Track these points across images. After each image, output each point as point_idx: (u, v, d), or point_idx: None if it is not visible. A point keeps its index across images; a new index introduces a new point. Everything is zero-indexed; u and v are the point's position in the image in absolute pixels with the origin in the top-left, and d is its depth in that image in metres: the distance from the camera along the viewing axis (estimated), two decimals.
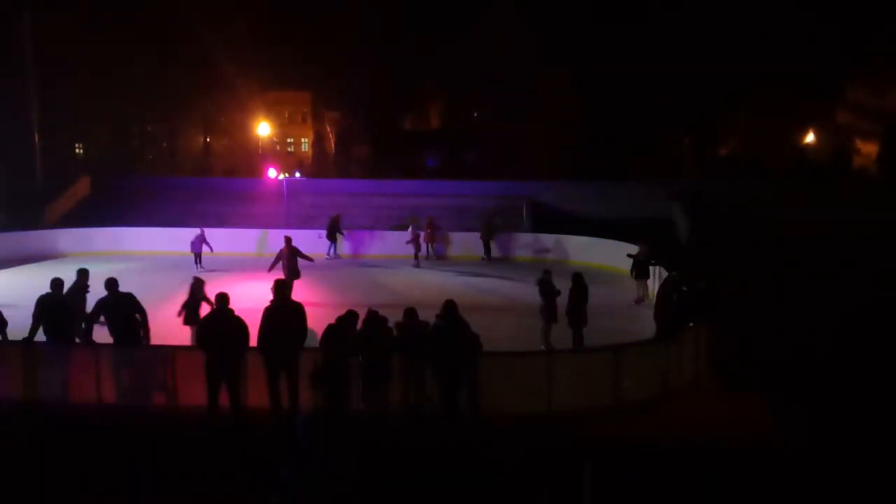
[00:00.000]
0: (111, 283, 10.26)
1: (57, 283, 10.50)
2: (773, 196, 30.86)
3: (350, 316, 9.39)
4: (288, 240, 16.79)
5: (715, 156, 50.36)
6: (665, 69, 43.57)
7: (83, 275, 11.50)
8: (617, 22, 45.54)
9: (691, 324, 11.43)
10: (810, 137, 47.57)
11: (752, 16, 43.25)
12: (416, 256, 23.06)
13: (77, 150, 44.29)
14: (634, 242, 18.52)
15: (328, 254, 24.18)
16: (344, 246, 24.92)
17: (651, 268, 17.54)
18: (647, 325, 13.45)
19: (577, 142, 45.98)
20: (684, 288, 12.34)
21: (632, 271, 17.66)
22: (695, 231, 27.34)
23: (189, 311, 11.91)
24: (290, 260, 16.39)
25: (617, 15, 45.69)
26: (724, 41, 43.10)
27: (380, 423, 9.24)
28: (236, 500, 7.36)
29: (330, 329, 9.27)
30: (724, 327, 12.71)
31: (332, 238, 24.41)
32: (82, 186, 33.42)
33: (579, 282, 12.76)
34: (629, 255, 17.97)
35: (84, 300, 11.24)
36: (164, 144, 53.00)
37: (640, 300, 17.22)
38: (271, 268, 16.36)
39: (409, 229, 23.50)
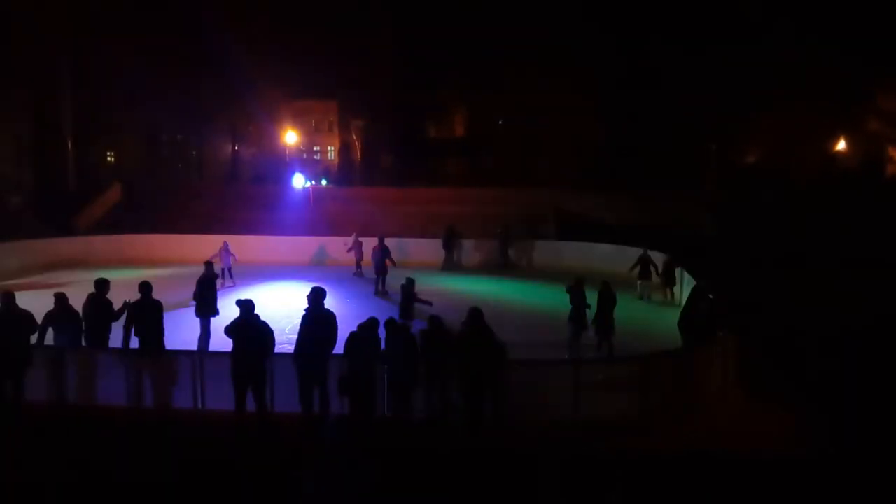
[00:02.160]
0: (145, 287, 10.47)
1: (101, 283, 10.70)
2: (801, 204, 30.42)
3: (371, 323, 9.45)
4: (381, 238, 20.19)
5: (742, 163, 49.75)
6: (692, 75, 43.22)
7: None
8: (643, 27, 45.25)
9: (719, 333, 11.32)
10: (841, 145, 46.79)
11: (782, 21, 42.74)
12: (359, 265, 22.18)
13: (109, 158, 45.07)
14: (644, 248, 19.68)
15: (443, 267, 24.16)
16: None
17: (653, 268, 18.97)
18: (674, 335, 13.32)
19: (603, 149, 45.75)
20: (711, 297, 12.24)
21: (632, 268, 19.13)
22: (721, 238, 27.05)
23: (406, 307, 13.99)
24: (379, 255, 19.53)
25: (643, 21, 45.42)
26: (754, 47, 42.64)
27: (405, 430, 9.29)
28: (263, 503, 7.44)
29: (353, 337, 9.34)
30: (752, 337, 12.57)
31: (448, 248, 24.38)
32: (113, 194, 34.03)
33: (607, 290, 12.73)
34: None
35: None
36: (193, 153, 53.76)
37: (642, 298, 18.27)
38: (350, 249, 21.88)
39: (353, 236, 22.47)
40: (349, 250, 22.13)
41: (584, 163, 44.21)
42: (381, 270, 19.77)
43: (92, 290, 10.77)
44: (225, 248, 20.35)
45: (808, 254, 23.98)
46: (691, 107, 43.24)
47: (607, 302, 12.73)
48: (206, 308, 12.83)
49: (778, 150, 47.35)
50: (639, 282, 19.02)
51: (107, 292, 10.76)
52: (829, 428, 9.70)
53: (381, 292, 19.69)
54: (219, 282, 17.55)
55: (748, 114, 45.19)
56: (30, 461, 8.38)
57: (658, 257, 19.53)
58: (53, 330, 10.24)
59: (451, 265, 24.48)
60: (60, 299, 10.34)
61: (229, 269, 20.41)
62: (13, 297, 9.61)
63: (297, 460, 8.18)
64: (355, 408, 9.27)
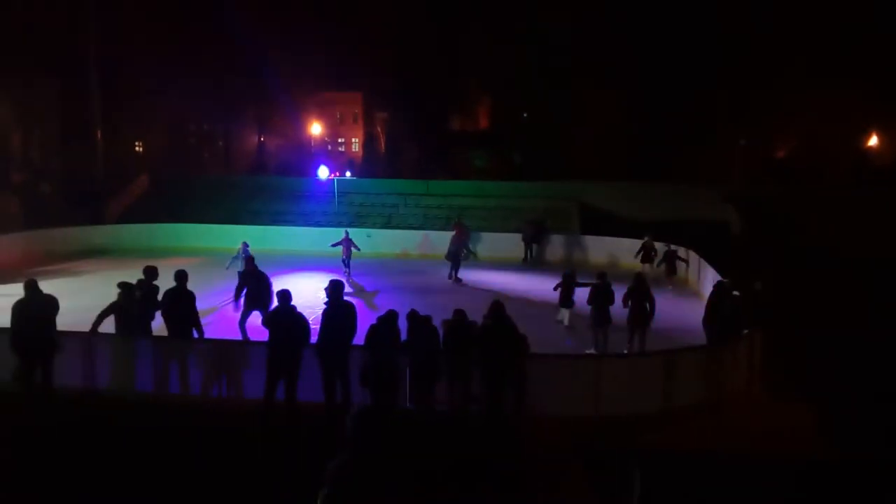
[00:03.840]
0: (181, 276, 10.67)
1: (151, 270, 10.91)
2: (831, 199, 29.90)
3: (390, 316, 9.50)
4: (461, 226, 22.18)
5: (771, 158, 49.02)
6: (721, 68, 42.64)
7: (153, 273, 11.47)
8: (671, 19, 44.67)
9: (745, 331, 11.21)
10: (873, 140, 45.89)
11: (813, 14, 41.97)
12: (346, 262, 20.67)
13: (137, 149, 45.68)
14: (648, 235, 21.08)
15: (526, 258, 24.00)
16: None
17: (654, 254, 20.39)
18: (699, 331, 13.22)
19: (629, 142, 45.34)
20: (735, 293, 12.12)
21: (637, 254, 20.71)
22: (748, 235, 26.72)
23: (564, 294, 14.32)
24: (458, 240, 20.96)
25: (671, 12, 44.83)
26: (784, 40, 41.94)
27: (426, 422, 9.34)
28: (288, 491, 7.53)
29: (373, 329, 9.40)
30: (777, 334, 12.42)
31: (537, 241, 24.20)
32: (141, 184, 34.50)
33: (641, 283, 12.63)
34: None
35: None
36: (220, 143, 54.31)
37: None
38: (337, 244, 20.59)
39: (345, 233, 21.13)
40: (334, 245, 20.89)
41: (609, 156, 43.82)
42: (456, 257, 20.49)
43: (123, 278, 10.95)
44: (245, 250, 18.45)
45: (836, 251, 23.61)
46: (720, 101, 42.70)
47: (641, 295, 12.67)
48: (254, 303, 12.78)
49: (808, 145, 46.61)
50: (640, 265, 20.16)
51: (155, 279, 10.90)
52: (855, 427, 9.57)
53: (455, 279, 20.30)
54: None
55: (778, 108, 44.48)
56: (57, 445, 8.58)
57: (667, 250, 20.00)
58: (118, 318, 10.33)
59: (532, 260, 24.32)
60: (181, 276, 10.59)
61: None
62: (37, 284, 9.80)
63: (323, 448, 8.25)
64: (377, 399, 9.35)
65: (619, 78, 45.70)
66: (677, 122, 44.15)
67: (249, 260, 13.90)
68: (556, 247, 24.96)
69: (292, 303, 9.53)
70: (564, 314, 14.93)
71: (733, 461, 8.53)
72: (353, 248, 20.72)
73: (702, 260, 19.16)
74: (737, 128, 42.59)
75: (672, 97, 44.16)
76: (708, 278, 17.03)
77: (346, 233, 21.15)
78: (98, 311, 10.41)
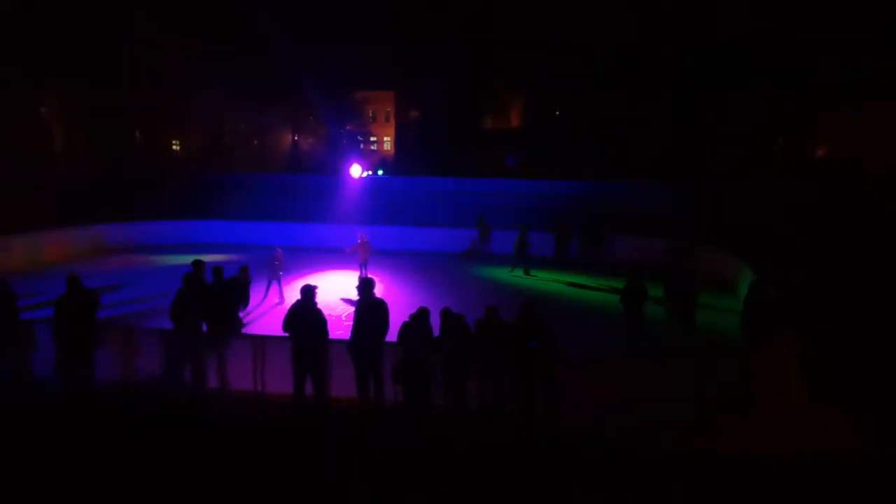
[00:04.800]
0: (218, 271, 10.84)
1: (198, 264, 10.99)
2: (873, 199, 29.18)
3: (422, 313, 9.52)
4: (524, 227, 21.83)
5: (811, 156, 48.00)
6: (760, 64, 41.86)
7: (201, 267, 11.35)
8: (708, 14, 43.95)
9: (782, 331, 11.00)
10: None
11: (857, 9, 40.94)
12: (363, 267, 19.05)
13: (174, 147, 46.52)
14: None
15: (557, 256, 23.73)
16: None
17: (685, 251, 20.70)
18: (736, 331, 13.03)
19: (663, 140, 44.79)
20: (773, 293, 11.91)
21: (670, 252, 21.26)
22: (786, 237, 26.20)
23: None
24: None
25: (710, 8, 44.13)
26: (824, 35, 40.97)
27: (458, 420, 9.35)
28: (320, 486, 7.61)
29: (405, 326, 9.45)
30: (817, 335, 12.17)
31: (567, 240, 23.99)
32: (178, 181, 35.13)
33: (680, 282, 12.63)
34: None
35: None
36: (255, 142, 55.04)
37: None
38: (352, 250, 19.06)
39: (360, 236, 19.23)
40: (350, 250, 19.26)
41: (642, 154, 43.35)
42: (522, 252, 21.09)
43: (160, 274, 11.14)
44: (277, 257, 16.42)
45: (878, 251, 23.02)
46: (760, 98, 41.92)
47: (685, 297, 12.64)
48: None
49: (850, 144, 45.51)
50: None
51: (203, 273, 10.99)
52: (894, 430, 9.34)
53: (525, 271, 21.00)
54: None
55: (820, 106, 43.50)
56: (97, 437, 8.79)
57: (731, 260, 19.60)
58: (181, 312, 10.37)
59: (563, 259, 24.14)
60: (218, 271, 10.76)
61: (278, 282, 16.44)
62: (78, 279, 10.04)
63: (355, 444, 8.34)
64: (409, 396, 9.40)
65: (654, 75, 45.16)
66: (714, 120, 43.47)
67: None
68: (587, 246, 24.74)
69: (316, 300, 9.57)
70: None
71: (770, 463, 8.39)
72: (370, 251, 19.03)
73: (739, 258, 18.83)
74: (775, 125, 41.81)
75: (709, 94, 43.49)
76: (745, 277, 16.73)
77: (362, 234, 19.28)
78: (161, 306, 10.51)
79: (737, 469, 8.21)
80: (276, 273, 16.19)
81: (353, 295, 10.29)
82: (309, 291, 9.56)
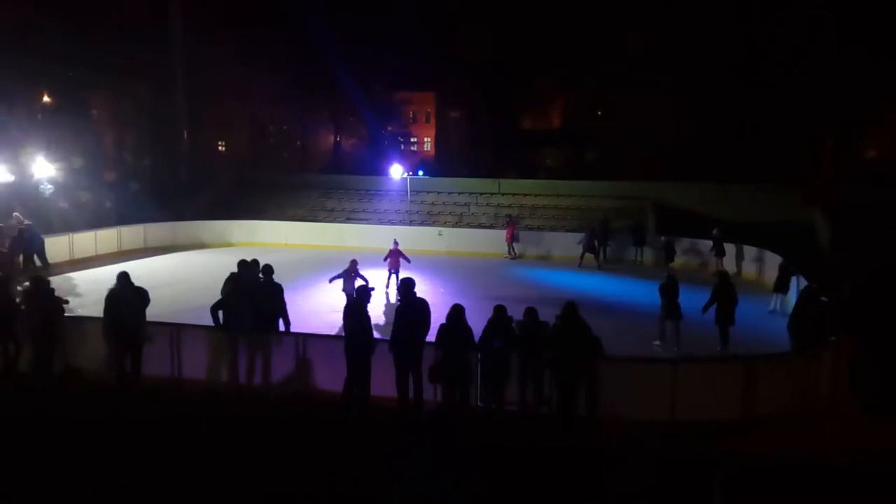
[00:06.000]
0: (268, 270, 10.98)
1: (253, 264, 11.21)
2: None
3: (457, 311, 9.42)
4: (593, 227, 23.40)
5: (861, 158, 46.48)
6: (809, 61, 40.68)
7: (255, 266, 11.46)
8: (756, 9, 42.90)
9: (832, 338, 10.70)
10: None
11: None
12: (395, 274, 18.18)
13: (220, 149, 47.37)
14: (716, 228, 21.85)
15: (598, 257, 23.25)
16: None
17: (725, 246, 21.37)
18: (784, 337, 12.72)
19: (709, 141, 43.86)
20: (824, 299, 11.60)
21: (711, 249, 21.72)
22: (837, 240, 25.43)
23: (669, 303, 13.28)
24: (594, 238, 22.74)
25: (755, 9, 43.12)
26: (879, 29, 39.65)
27: (497, 422, 9.33)
28: (360, 487, 7.66)
29: (442, 327, 9.42)
30: (867, 343, 11.81)
31: (641, 243, 24.01)
32: (223, 181, 35.80)
33: (725, 281, 12.46)
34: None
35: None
36: (298, 143, 55.75)
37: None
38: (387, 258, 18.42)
39: (394, 244, 18.76)
40: (386, 259, 18.44)
41: (687, 155, 42.52)
42: (593, 250, 22.68)
43: (205, 272, 11.35)
44: (354, 270, 15.42)
45: None
46: (808, 97, 40.73)
47: (726, 293, 12.45)
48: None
49: None
50: (715, 259, 21.53)
51: (257, 271, 11.14)
52: None
53: (603, 262, 22.91)
54: None
55: (870, 105, 42.10)
56: (145, 433, 9.01)
57: (772, 258, 19.49)
58: (226, 310, 10.47)
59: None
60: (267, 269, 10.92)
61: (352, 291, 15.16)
62: (128, 277, 10.30)
63: (396, 445, 8.38)
64: (447, 396, 9.41)
65: (697, 74, 44.30)
66: (758, 120, 42.44)
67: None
68: (627, 246, 24.44)
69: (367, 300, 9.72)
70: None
71: (816, 472, 8.17)
72: (402, 259, 18.35)
73: (790, 264, 18.34)
74: (825, 125, 40.60)
75: (753, 93, 42.47)
76: (794, 283, 16.32)
77: (396, 242, 18.82)
78: (207, 303, 10.60)
79: (779, 477, 8.01)
80: (350, 284, 15.10)
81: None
82: (362, 291, 9.82)
